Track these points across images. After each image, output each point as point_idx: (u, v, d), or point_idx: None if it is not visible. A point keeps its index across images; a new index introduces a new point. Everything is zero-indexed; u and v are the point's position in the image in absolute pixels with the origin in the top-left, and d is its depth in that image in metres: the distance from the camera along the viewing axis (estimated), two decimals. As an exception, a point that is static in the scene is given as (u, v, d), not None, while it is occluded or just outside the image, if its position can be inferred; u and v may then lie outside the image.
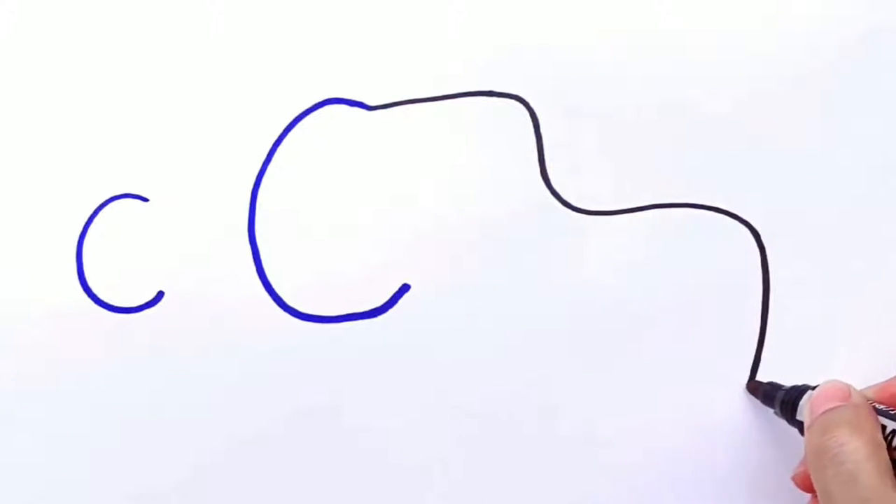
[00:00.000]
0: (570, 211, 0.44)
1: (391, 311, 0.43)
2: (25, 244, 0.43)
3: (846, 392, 0.35)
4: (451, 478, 0.41)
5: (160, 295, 0.43)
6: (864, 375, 0.42)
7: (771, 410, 0.40)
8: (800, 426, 0.37)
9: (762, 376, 0.42)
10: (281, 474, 0.42)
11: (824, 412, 0.35)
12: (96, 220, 0.44)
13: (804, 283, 0.43)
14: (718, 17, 0.45)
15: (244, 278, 0.43)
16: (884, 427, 0.34)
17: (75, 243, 0.43)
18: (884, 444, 0.33)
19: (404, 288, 0.43)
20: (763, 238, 0.43)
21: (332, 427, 0.42)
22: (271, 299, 0.43)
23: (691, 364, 0.42)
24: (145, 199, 0.44)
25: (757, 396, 0.41)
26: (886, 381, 0.37)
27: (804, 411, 0.37)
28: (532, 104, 0.44)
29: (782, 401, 0.39)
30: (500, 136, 0.44)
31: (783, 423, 0.39)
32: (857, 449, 0.32)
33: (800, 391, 0.38)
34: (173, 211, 0.44)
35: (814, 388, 0.38)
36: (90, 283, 0.43)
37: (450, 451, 0.42)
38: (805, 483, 0.37)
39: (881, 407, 0.36)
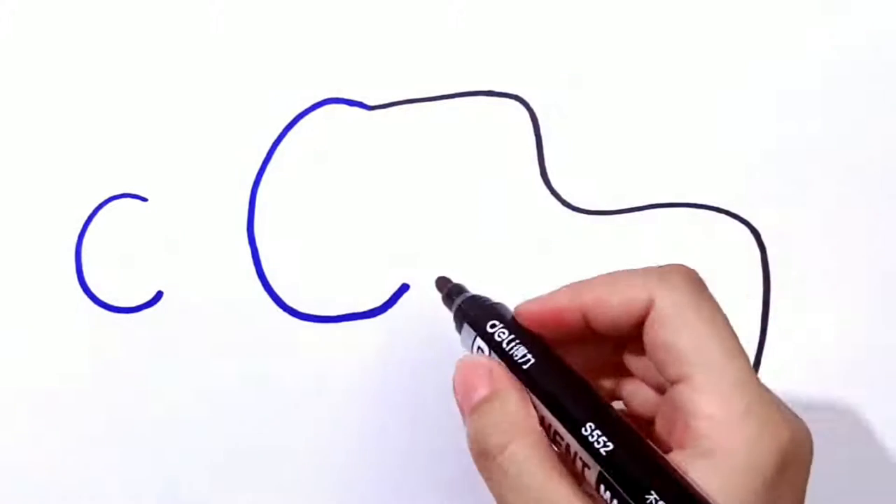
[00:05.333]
0: (569, 210, 0.44)
1: (391, 311, 0.43)
2: (25, 244, 0.43)
3: (487, 375, 0.32)
4: (448, 477, 0.41)
5: (159, 295, 0.43)
6: (865, 373, 0.42)
7: None
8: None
9: (763, 376, 0.42)
10: (280, 473, 0.42)
11: (475, 410, 0.32)
12: (95, 219, 0.44)
13: (805, 282, 0.43)
14: (718, 17, 0.45)
15: (243, 278, 0.43)
16: (542, 418, 0.31)
17: (74, 243, 0.43)
18: (541, 433, 0.31)
19: (403, 288, 0.43)
20: (763, 237, 0.43)
21: (331, 426, 0.42)
22: (270, 299, 0.43)
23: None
24: (144, 199, 0.44)
25: (441, 293, 0.37)
26: (555, 294, 0.33)
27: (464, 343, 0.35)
28: (532, 104, 0.44)
29: (454, 312, 0.36)
30: (499, 136, 0.44)
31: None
32: (514, 453, 0.30)
33: (463, 315, 0.35)
34: (172, 211, 0.44)
35: (476, 315, 0.34)
36: (89, 283, 0.43)
37: (448, 451, 0.42)
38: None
39: (525, 362, 0.32)
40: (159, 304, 0.43)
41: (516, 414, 0.31)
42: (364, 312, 0.43)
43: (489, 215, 0.43)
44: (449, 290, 0.37)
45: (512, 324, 0.34)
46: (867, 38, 0.45)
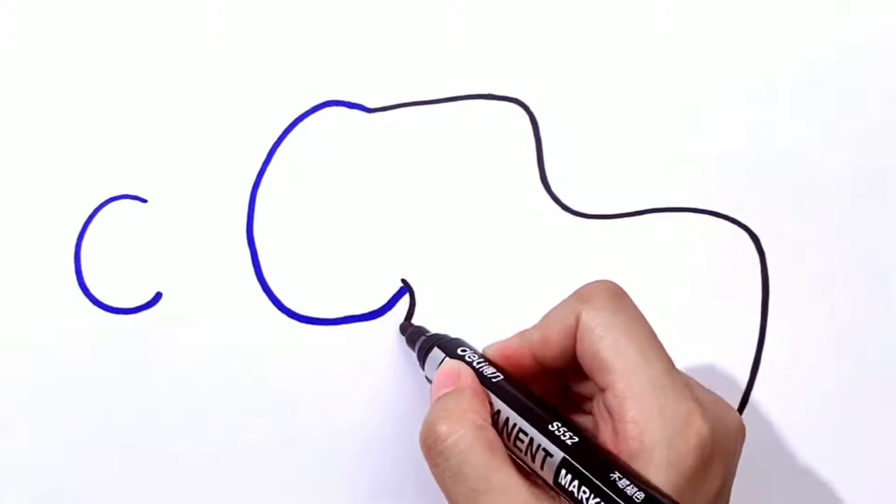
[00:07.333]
0: (569, 215, 0.44)
1: (389, 314, 0.43)
2: (24, 245, 0.43)
3: (456, 375, 0.35)
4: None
5: (158, 296, 0.43)
6: (864, 378, 0.42)
7: None
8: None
9: (762, 379, 0.42)
10: (279, 475, 0.42)
11: (435, 402, 0.34)
12: (95, 220, 0.43)
13: (804, 287, 0.43)
14: (718, 19, 0.45)
15: (242, 280, 0.43)
16: (492, 403, 0.34)
17: (74, 244, 0.43)
18: (487, 424, 0.33)
19: (402, 290, 0.43)
20: (763, 243, 0.43)
21: (330, 428, 0.42)
22: (269, 301, 0.43)
23: (691, 369, 0.42)
24: (144, 201, 0.44)
25: (405, 336, 0.41)
26: (506, 340, 0.36)
27: (429, 372, 0.37)
28: (532, 107, 0.44)
29: (418, 349, 0.39)
30: (499, 139, 0.44)
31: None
32: (456, 442, 0.32)
33: (430, 345, 0.38)
34: (172, 212, 0.43)
35: (444, 340, 0.38)
36: (88, 284, 0.43)
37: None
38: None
39: (494, 377, 0.35)
40: (158, 305, 0.43)
41: (468, 407, 0.33)
42: (363, 315, 0.43)
43: (489, 218, 0.43)
44: (412, 332, 0.40)
45: (478, 351, 0.37)
46: (867, 38, 0.45)
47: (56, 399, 0.42)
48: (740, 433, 0.33)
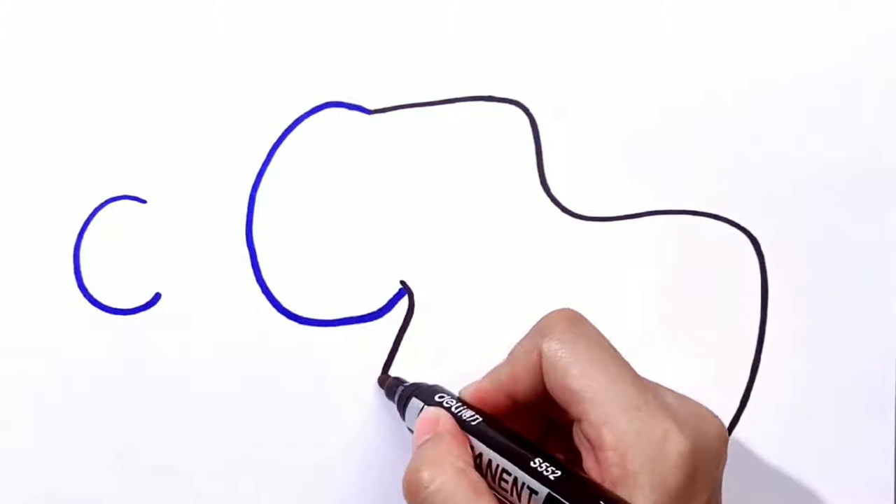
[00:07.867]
0: (568, 217, 0.44)
1: (388, 316, 0.43)
2: (23, 246, 0.43)
3: (435, 422, 0.35)
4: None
5: (157, 297, 0.43)
6: (861, 383, 0.42)
7: None
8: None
9: (761, 383, 0.42)
10: (278, 477, 0.42)
11: (415, 450, 0.34)
12: (94, 221, 0.43)
13: (803, 290, 0.43)
14: (718, 19, 0.45)
15: (242, 281, 0.43)
16: (473, 446, 0.34)
17: (73, 245, 0.43)
18: (469, 467, 0.33)
19: (402, 292, 0.43)
20: (762, 244, 0.43)
21: (329, 430, 0.42)
22: (269, 302, 0.43)
23: (690, 372, 0.42)
24: (143, 201, 0.44)
25: (384, 389, 0.41)
26: (480, 381, 0.36)
27: (410, 422, 0.38)
28: (531, 110, 0.44)
29: (397, 399, 0.39)
30: (499, 142, 0.44)
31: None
32: (439, 488, 0.31)
33: (408, 395, 0.38)
34: (171, 213, 0.43)
35: (421, 388, 0.38)
36: (87, 285, 0.43)
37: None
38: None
39: (473, 420, 0.35)
40: (157, 306, 0.43)
41: (448, 452, 0.33)
42: (362, 316, 0.43)
43: (488, 220, 0.43)
44: (390, 383, 0.41)
45: (455, 395, 0.37)
46: (867, 38, 0.45)
47: (55, 399, 0.42)
48: (722, 441, 0.33)
